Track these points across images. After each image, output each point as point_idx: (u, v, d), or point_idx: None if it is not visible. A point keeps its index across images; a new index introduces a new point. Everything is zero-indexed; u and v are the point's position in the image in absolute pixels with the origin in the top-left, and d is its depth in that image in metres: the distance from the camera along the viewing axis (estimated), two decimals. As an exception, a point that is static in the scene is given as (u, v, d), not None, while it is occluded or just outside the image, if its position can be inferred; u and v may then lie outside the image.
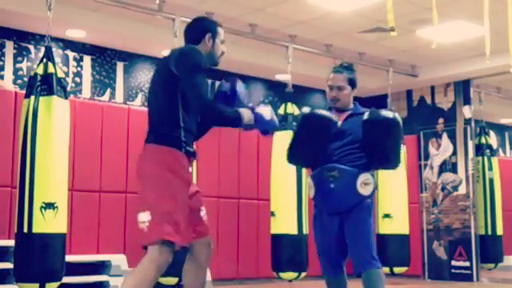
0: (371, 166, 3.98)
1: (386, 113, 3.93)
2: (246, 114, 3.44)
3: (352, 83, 4.09)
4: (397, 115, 3.94)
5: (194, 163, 6.25)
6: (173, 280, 6.01)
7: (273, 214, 6.98)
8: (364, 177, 3.90)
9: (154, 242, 3.25)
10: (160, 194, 3.24)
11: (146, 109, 8.33)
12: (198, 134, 3.56)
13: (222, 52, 3.61)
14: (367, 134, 3.89)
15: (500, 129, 12.72)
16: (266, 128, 3.56)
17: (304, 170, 6.99)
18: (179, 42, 6.55)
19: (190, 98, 3.30)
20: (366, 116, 3.91)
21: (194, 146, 3.49)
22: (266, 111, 3.51)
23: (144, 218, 3.30)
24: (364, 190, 3.89)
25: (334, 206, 4.00)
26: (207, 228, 3.60)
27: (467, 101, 9.46)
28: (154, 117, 3.41)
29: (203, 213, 3.60)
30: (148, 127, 3.45)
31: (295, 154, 4.09)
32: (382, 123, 3.88)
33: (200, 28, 3.57)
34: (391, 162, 4.04)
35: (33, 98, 5.22)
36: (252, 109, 3.50)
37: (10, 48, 7.37)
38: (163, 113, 3.36)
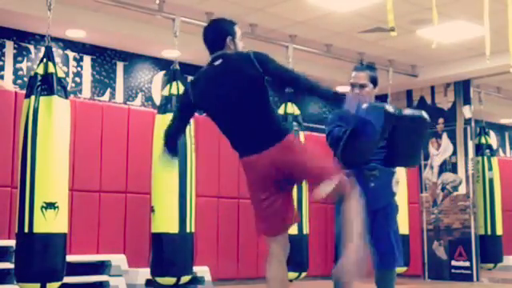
0: (396, 163, 4.00)
1: (419, 112, 3.96)
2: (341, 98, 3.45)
3: (374, 81, 4.11)
4: (426, 114, 3.95)
5: (194, 163, 6.27)
6: (172, 280, 6.01)
7: (273, 213, 6.97)
8: (396, 175, 4.03)
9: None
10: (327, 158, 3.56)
11: (146, 109, 8.32)
12: None
13: (242, 48, 3.74)
14: (398, 131, 3.85)
15: (500, 129, 12.72)
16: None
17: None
18: (179, 42, 6.57)
19: (288, 78, 3.57)
20: (395, 112, 3.84)
21: None
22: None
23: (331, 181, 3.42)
24: (396, 189, 4.04)
25: (372, 204, 3.96)
26: None
27: (467, 101, 9.46)
28: (259, 120, 3.52)
29: None
30: (253, 134, 3.56)
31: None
32: (416, 121, 3.89)
33: (220, 34, 3.66)
34: (415, 161, 4.14)
35: (33, 97, 5.22)
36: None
37: (10, 48, 7.37)
38: (269, 113, 3.52)
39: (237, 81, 3.50)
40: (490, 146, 9.47)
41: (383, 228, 3.92)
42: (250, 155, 3.59)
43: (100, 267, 6.76)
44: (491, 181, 9.26)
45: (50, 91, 5.23)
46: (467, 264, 9.03)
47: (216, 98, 3.57)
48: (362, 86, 4.06)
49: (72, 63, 7.81)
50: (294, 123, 7.10)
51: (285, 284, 3.68)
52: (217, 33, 3.68)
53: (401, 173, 7.85)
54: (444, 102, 9.71)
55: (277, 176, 3.51)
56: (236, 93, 3.49)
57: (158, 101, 8.27)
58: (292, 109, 7.18)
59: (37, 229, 5.01)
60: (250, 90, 3.48)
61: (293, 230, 6.87)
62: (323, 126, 4.24)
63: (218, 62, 3.60)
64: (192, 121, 6.35)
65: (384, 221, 3.94)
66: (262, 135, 3.50)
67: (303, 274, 6.95)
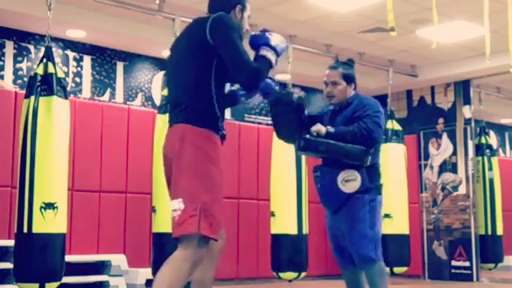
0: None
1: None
2: (269, 54, 3.20)
3: (348, 78, 4.07)
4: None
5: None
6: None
7: (273, 214, 6.98)
8: (344, 174, 3.82)
9: (189, 235, 2.94)
10: (198, 183, 2.96)
11: (146, 109, 8.34)
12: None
13: (246, 29, 3.39)
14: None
15: (500, 129, 12.73)
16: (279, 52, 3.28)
17: (304, 170, 7.00)
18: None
19: (232, 64, 3.03)
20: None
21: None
22: (276, 39, 3.26)
23: (176, 206, 2.99)
24: (346, 188, 3.83)
25: (324, 204, 4.07)
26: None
27: (467, 101, 9.46)
28: (182, 91, 3.11)
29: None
30: (173, 103, 3.18)
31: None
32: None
33: (228, 1, 3.32)
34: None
35: (33, 98, 5.22)
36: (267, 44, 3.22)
37: (10, 48, 7.37)
38: (196, 86, 3.07)
39: (181, 43, 3.24)
40: (490, 146, 9.46)
41: (350, 227, 3.87)
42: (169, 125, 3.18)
43: (100, 267, 6.76)
44: (491, 181, 9.25)
45: (49, 91, 5.22)
46: (467, 264, 9.03)
47: (170, 57, 3.32)
48: (334, 84, 4.06)
49: (72, 63, 7.81)
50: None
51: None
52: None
53: (401, 173, 7.85)
54: (444, 101, 9.70)
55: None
56: (176, 54, 3.23)
57: (157, 101, 8.27)
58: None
59: (36, 229, 5.01)
60: (190, 54, 3.13)
61: (293, 230, 6.89)
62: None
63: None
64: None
65: (349, 220, 3.87)
66: (178, 106, 3.10)
67: (303, 274, 6.95)
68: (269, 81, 3.51)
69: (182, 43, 3.26)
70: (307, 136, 3.80)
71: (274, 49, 3.21)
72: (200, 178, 2.96)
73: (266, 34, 3.26)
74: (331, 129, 3.86)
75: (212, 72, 3.09)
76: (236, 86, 3.44)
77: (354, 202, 3.85)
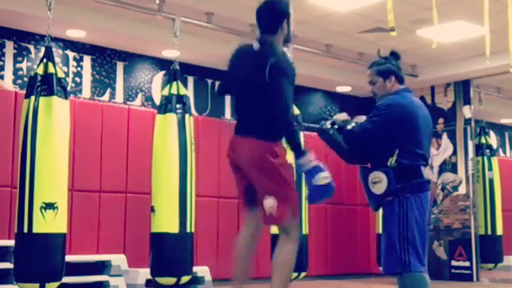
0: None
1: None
2: (307, 158, 3.69)
3: (383, 74, 4.06)
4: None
5: (194, 163, 6.27)
6: (172, 280, 6.01)
7: (273, 214, 6.97)
8: (372, 176, 3.85)
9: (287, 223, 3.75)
10: (286, 186, 3.72)
11: (146, 109, 8.34)
12: None
13: (292, 33, 3.85)
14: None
15: (500, 129, 12.73)
16: (311, 192, 3.79)
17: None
18: (179, 42, 6.57)
19: (277, 106, 3.58)
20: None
21: None
22: (320, 179, 3.71)
23: (270, 203, 3.74)
24: (375, 189, 3.84)
25: (370, 203, 4.01)
26: None
27: (467, 101, 9.46)
28: (260, 114, 3.70)
29: None
30: (251, 121, 3.75)
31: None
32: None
33: (279, 13, 3.69)
34: None
35: (33, 98, 5.22)
36: (318, 168, 3.73)
37: (10, 48, 7.37)
38: (267, 111, 3.63)
39: (252, 74, 3.65)
40: (490, 146, 9.46)
41: (383, 232, 3.86)
42: (238, 135, 3.87)
43: (100, 267, 6.76)
44: (491, 181, 9.25)
45: (49, 91, 5.23)
46: (467, 264, 9.03)
47: (237, 77, 3.76)
48: (372, 83, 4.08)
49: (72, 63, 7.81)
50: (294, 123, 7.09)
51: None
52: (275, 14, 3.71)
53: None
54: (444, 101, 9.71)
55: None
56: (249, 82, 3.65)
57: (157, 101, 8.26)
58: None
59: (36, 229, 5.01)
60: (257, 85, 3.62)
61: (293, 230, 6.89)
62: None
63: (256, 47, 3.72)
64: (192, 121, 6.36)
65: (382, 225, 3.89)
66: (254, 122, 3.72)
67: (303, 274, 6.95)
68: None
69: (254, 72, 3.68)
70: (322, 123, 4.02)
71: (310, 173, 3.73)
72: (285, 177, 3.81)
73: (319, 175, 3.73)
74: (350, 123, 3.93)
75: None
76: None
77: (385, 208, 3.84)
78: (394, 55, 4.17)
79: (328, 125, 3.95)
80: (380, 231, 7.74)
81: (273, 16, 3.65)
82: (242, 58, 3.78)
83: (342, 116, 3.96)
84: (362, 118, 3.97)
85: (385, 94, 4.00)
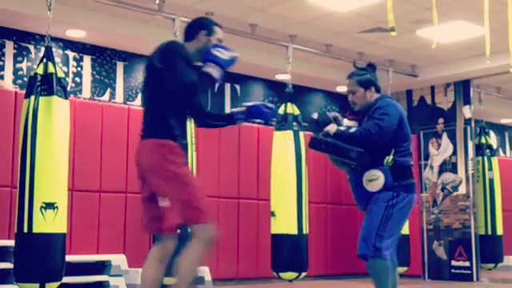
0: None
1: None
2: (212, 69, 3.49)
3: (364, 84, 4.23)
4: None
5: (194, 163, 6.27)
6: (172, 280, 6.00)
7: (273, 213, 6.98)
8: (368, 174, 4.04)
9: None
10: (173, 183, 3.49)
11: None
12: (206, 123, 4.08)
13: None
14: None
15: (500, 129, 12.74)
16: (226, 64, 3.56)
17: (304, 170, 7.00)
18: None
19: (171, 82, 3.42)
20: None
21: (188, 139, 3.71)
22: (221, 52, 3.55)
23: (164, 203, 3.57)
24: (370, 187, 4.04)
25: (358, 205, 4.24)
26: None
27: (467, 101, 9.47)
28: (148, 114, 3.62)
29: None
30: (146, 120, 3.66)
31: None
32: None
33: (196, 26, 3.75)
34: None
35: (33, 98, 5.22)
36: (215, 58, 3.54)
37: (10, 48, 7.37)
38: (153, 108, 3.56)
39: (148, 67, 3.61)
40: (490, 146, 9.46)
41: (364, 219, 4.08)
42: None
43: (100, 267, 6.76)
44: (491, 181, 9.25)
45: (49, 91, 5.23)
46: (467, 264, 9.03)
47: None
48: (352, 93, 4.26)
49: (72, 63, 7.81)
50: (294, 123, 7.10)
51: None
52: (193, 25, 3.78)
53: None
54: (444, 101, 9.71)
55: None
56: (146, 78, 3.62)
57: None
58: (292, 109, 7.18)
59: (36, 229, 5.01)
60: (150, 80, 3.58)
61: (293, 230, 6.89)
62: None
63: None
64: (192, 121, 6.35)
65: (366, 213, 4.10)
66: (147, 120, 3.62)
67: (303, 274, 6.95)
68: (262, 107, 3.95)
69: (145, 72, 3.66)
70: (315, 135, 4.11)
71: (218, 63, 3.50)
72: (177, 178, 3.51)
73: (213, 50, 3.53)
74: (342, 129, 4.08)
75: (167, 96, 3.48)
76: (237, 109, 4.00)
77: (374, 199, 4.04)
78: (372, 66, 4.36)
79: (327, 137, 4.07)
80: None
81: (191, 26, 3.77)
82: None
83: (333, 127, 4.09)
84: (349, 123, 4.17)
85: (365, 103, 4.22)
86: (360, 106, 4.23)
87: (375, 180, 4.02)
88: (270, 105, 3.97)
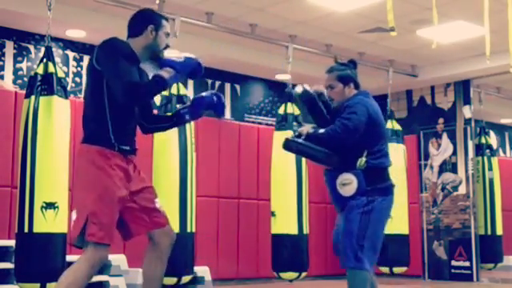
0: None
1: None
2: (164, 72, 3.35)
3: (343, 79, 4.11)
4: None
5: (194, 163, 6.26)
6: (172, 280, 6.01)
7: (273, 213, 6.98)
8: (341, 178, 3.89)
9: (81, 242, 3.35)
10: (87, 193, 3.28)
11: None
12: (150, 125, 3.73)
13: (166, 45, 3.53)
14: None
15: (500, 129, 12.74)
16: (185, 70, 3.42)
17: (304, 170, 7.00)
18: (179, 42, 6.57)
19: (112, 84, 3.27)
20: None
21: (136, 143, 3.55)
22: (177, 57, 3.43)
23: (73, 216, 3.37)
24: (343, 191, 3.88)
25: (334, 206, 4.07)
26: (165, 217, 3.63)
27: (467, 101, 9.47)
28: (84, 116, 3.42)
29: (158, 204, 3.61)
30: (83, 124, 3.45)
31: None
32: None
33: (142, 20, 3.57)
34: None
35: (33, 97, 5.21)
36: (169, 62, 3.41)
37: (10, 48, 7.37)
38: (91, 111, 3.37)
39: (87, 68, 3.49)
40: (490, 146, 9.46)
41: (342, 228, 3.88)
42: None
43: (100, 267, 6.75)
44: (491, 181, 9.25)
45: (49, 91, 5.22)
46: (467, 264, 9.03)
47: None
48: (331, 87, 4.13)
49: (72, 63, 7.81)
50: (294, 123, 7.10)
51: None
52: (139, 19, 3.60)
53: (401, 173, 7.85)
54: (444, 101, 9.71)
55: None
56: (86, 79, 3.53)
57: (158, 101, 8.27)
58: (292, 109, 7.18)
59: (37, 229, 5.01)
60: (88, 82, 3.46)
61: (293, 230, 6.89)
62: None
63: None
64: (192, 121, 6.35)
65: (343, 222, 3.89)
66: (84, 127, 3.42)
67: (303, 274, 6.95)
68: (208, 98, 3.68)
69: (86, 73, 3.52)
70: (289, 136, 4.00)
71: (173, 67, 3.35)
72: (89, 188, 3.30)
73: (171, 58, 3.40)
74: (311, 130, 3.92)
75: (105, 98, 3.31)
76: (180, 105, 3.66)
77: (349, 205, 3.86)
78: (353, 63, 4.24)
79: (297, 139, 3.94)
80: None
81: (136, 18, 3.61)
82: None
83: (306, 128, 3.98)
84: (303, 128, 3.99)
85: (342, 99, 4.08)
86: (337, 103, 4.11)
87: (348, 184, 3.84)
88: (220, 95, 3.70)
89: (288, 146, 3.92)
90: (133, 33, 3.55)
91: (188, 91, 8.14)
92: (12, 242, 5.44)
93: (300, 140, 3.89)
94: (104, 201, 3.27)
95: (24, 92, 5.46)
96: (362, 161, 3.83)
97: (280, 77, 9.20)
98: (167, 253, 3.64)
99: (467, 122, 9.38)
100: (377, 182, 3.87)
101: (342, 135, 3.82)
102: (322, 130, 3.90)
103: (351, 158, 3.85)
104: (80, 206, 3.31)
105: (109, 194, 3.29)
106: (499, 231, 9.18)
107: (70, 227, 3.34)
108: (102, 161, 3.28)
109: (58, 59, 7.37)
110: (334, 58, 4.42)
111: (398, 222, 7.82)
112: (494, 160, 9.38)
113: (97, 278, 6.64)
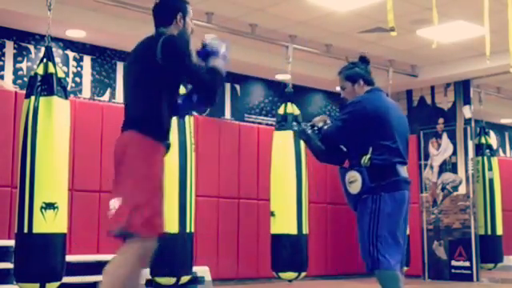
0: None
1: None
2: (219, 64, 3.39)
3: (351, 78, 4.11)
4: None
5: (194, 163, 6.27)
6: (172, 280, 6.01)
7: (273, 214, 6.98)
8: (348, 175, 3.88)
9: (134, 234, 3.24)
10: (142, 183, 3.26)
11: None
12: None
13: (191, 30, 3.57)
14: None
15: (500, 129, 12.74)
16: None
17: (304, 170, 6.99)
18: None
19: (193, 80, 3.31)
20: None
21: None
22: (218, 45, 3.50)
23: (115, 204, 3.29)
24: (351, 189, 3.87)
25: (348, 203, 4.03)
26: None
27: (467, 101, 9.47)
28: (137, 105, 3.34)
29: None
30: (128, 114, 3.39)
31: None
32: None
33: (170, 8, 3.53)
34: None
35: (33, 98, 5.21)
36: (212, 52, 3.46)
37: (10, 48, 7.37)
38: (145, 103, 3.29)
39: (132, 61, 3.46)
40: (490, 146, 9.47)
41: (357, 229, 3.88)
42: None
43: (100, 267, 6.72)
44: (491, 181, 9.25)
45: (49, 91, 5.22)
46: (467, 264, 9.03)
47: (125, 71, 3.57)
48: (343, 88, 4.15)
49: (72, 63, 7.81)
50: (294, 123, 7.10)
51: None
52: (166, 7, 3.55)
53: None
54: (444, 102, 9.71)
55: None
56: (129, 71, 3.45)
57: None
58: (292, 109, 7.18)
59: (36, 229, 5.01)
60: (137, 74, 3.37)
61: (293, 230, 6.89)
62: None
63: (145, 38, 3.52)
64: (192, 121, 6.36)
65: (357, 222, 3.89)
66: (129, 115, 3.37)
67: (303, 274, 6.95)
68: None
69: (134, 63, 3.45)
70: (302, 124, 4.09)
71: (219, 55, 3.42)
72: (145, 180, 3.27)
73: (206, 44, 3.45)
74: (322, 124, 4.01)
75: (163, 92, 3.28)
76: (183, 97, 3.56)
77: (359, 205, 3.86)
78: (363, 59, 4.23)
79: (308, 129, 4.02)
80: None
81: (165, 7, 3.54)
82: (131, 53, 3.57)
83: (321, 118, 4.04)
84: (319, 119, 4.10)
85: (353, 98, 4.05)
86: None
87: (354, 182, 3.83)
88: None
89: (298, 135, 4.09)
90: (163, 22, 3.49)
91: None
92: (12, 242, 5.44)
93: (309, 131, 3.98)
94: (161, 191, 3.31)
95: (24, 92, 5.46)
96: (365, 158, 3.80)
97: (280, 77, 9.19)
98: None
99: (467, 121, 9.38)
100: (381, 179, 3.79)
101: (334, 135, 3.92)
102: (326, 126, 3.98)
103: (356, 155, 3.84)
104: (129, 195, 3.23)
105: (162, 185, 3.33)
106: (499, 231, 9.19)
107: (111, 217, 3.29)
108: (156, 154, 3.28)
109: (57, 59, 7.38)
110: (346, 58, 4.40)
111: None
112: (494, 160, 9.39)
113: (97, 278, 6.65)
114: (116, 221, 3.23)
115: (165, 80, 3.27)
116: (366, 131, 3.82)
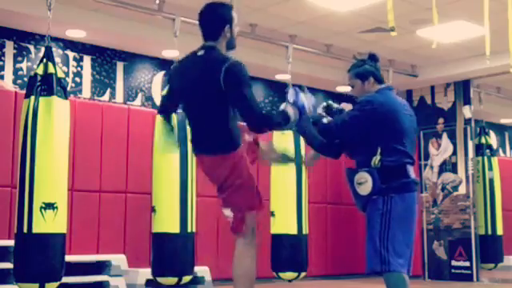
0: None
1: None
2: (290, 112, 3.66)
3: (361, 76, 4.04)
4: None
5: (194, 163, 6.27)
6: (173, 280, 6.01)
7: (273, 214, 6.98)
8: (357, 176, 3.84)
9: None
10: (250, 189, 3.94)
11: (146, 109, 8.34)
12: None
13: (236, 33, 3.67)
14: None
15: (500, 129, 12.74)
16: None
17: (304, 170, 7.00)
18: (179, 42, 6.57)
19: (243, 111, 3.47)
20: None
21: None
22: (306, 99, 3.75)
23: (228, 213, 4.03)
24: (360, 190, 3.84)
25: (356, 204, 4.01)
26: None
27: (467, 101, 9.46)
28: (212, 129, 3.58)
29: None
30: (204, 136, 3.63)
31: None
32: None
33: (218, 21, 3.58)
34: None
35: (33, 98, 5.21)
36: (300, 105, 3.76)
37: (10, 48, 7.37)
38: (219, 124, 3.55)
39: (201, 81, 3.51)
40: (490, 146, 9.47)
41: (366, 231, 3.85)
42: (199, 154, 3.78)
43: (100, 267, 6.76)
44: (491, 181, 9.25)
45: (49, 91, 5.22)
46: (467, 264, 9.03)
47: (185, 89, 3.62)
48: (352, 86, 4.11)
49: (72, 63, 7.81)
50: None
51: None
52: (214, 20, 3.59)
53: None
54: (444, 102, 9.71)
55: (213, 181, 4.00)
56: (199, 91, 3.51)
57: (157, 101, 8.27)
58: (292, 109, 7.17)
59: (36, 229, 5.01)
60: (209, 95, 3.49)
61: (293, 230, 6.89)
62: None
63: (200, 53, 3.57)
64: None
65: (366, 223, 3.86)
66: (212, 140, 3.61)
67: (303, 274, 6.95)
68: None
69: (201, 80, 3.54)
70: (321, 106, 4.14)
71: (298, 106, 3.72)
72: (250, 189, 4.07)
73: (299, 92, 3.75)
74: (325, 120, 4.00)
75: (230, 112, 3.54)
76: None
77: (369, 206, 3.82)
78: (372, 57, 4.13)
79: (321, 109, 4.08)
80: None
81: (214, 21, 3.57)
82: (186, 68, 3.66)
83: (335, 104, 4.08)
84: (349, 107, 4.04)
85: (364, 95, 3.99)
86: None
87: (364, 183, 3.79)
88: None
89: (299, 128, 4.10)
90: (214, 36, 3.59)
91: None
92: (11, 242, 5.44)
93: (315, 119, 4.02)
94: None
95: (24, 92, 5.46)
96: (376, 159, 3.77)
97: (280, 77, 9.19)
98: None
99: (467, 122, 9.38)
100: (392, 180, 3.76)
101: (336, 133, 3.91)
102: (326, 119, 3.98)
103: (367, 156, 3.80)
104: (240, 203, 4.03)
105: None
106: (499, 231, 9.19)
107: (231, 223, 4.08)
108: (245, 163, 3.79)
109: (57, 59, 7.38)
110: (353, 56, 4.37)
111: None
112: (494, 160, 9.39)
113: (97, 278, 6.65)
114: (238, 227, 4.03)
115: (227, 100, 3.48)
116: (376, 132, 3.78)
